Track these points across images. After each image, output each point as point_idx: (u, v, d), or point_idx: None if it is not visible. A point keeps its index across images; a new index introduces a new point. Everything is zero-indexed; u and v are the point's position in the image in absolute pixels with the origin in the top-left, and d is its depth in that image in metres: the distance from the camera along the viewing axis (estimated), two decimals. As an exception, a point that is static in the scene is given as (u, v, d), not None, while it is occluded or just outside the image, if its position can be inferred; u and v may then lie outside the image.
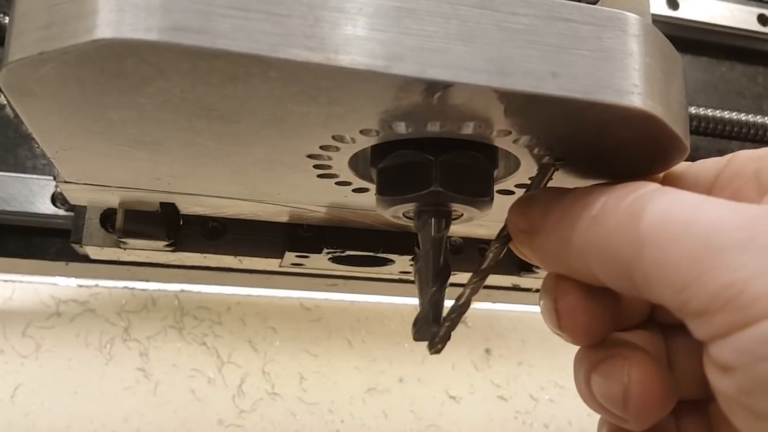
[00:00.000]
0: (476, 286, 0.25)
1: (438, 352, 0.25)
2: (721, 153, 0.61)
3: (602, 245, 0.21)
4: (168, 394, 0.64)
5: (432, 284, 0.26)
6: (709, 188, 0.25)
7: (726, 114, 0.55)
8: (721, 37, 0.63)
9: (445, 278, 0.26)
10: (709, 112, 0.54)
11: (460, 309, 0.25)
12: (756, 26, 0.63)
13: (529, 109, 0.22)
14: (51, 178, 0.44)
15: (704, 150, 0.59)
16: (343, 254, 0.38)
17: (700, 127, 0.54)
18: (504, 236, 0.26)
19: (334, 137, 0.24)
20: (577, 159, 0.26)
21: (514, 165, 0.27)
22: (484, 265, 0.25)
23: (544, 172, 0.26)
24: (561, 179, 0.28)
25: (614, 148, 0.24)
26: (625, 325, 0.28)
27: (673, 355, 0.27)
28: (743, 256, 0.18)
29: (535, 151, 0.25)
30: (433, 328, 0.25)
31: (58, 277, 0.63)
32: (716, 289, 0.18)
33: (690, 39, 0.62)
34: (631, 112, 0.21)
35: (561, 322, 0.24)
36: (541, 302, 0.25)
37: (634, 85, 0.21)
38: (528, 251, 0.25)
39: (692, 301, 0.18)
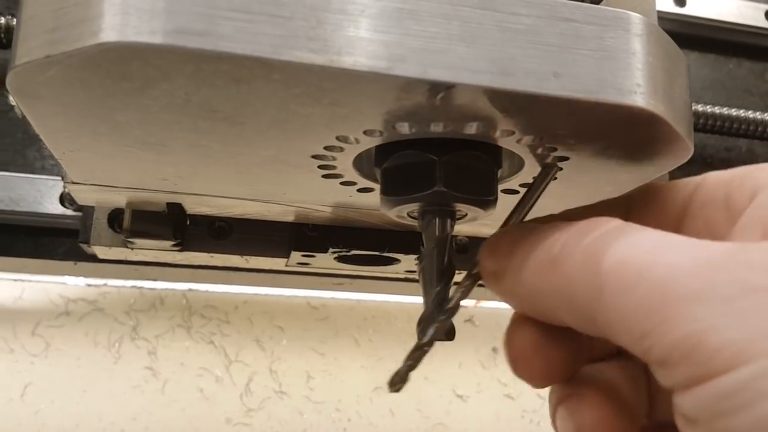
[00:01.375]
0: (446, 320, 0.25)
1: (397, 391, 0.25)
2: (728, 150, 0.61)
3: (562, 290, 0.21)
4: (176, 393, 0.65)
5: (436, 284, 0.26)
6: (681, 215, 0.25)
7: (733, 111, 0.55)
8: (729, 34, 0.62)
9: (449, 278, 0.26)
10: (716, 110, 0.53)
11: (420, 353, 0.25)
12: (764, 23, 0.62)
13: (531, 110, 0.22)
14: (59, 178, 0.44)
15: (712, 147, 0.59)
16: (348, 253, 0.38)
17: (707, 125, 0.54)
18: (474, 274, 0.25)
19: (338, 138, 0.24)
20: (581, 158, 0.26)
21: (518, 164, 0.27)
22: (450, 305, 0.25)
23: (546, 171, 0.26)
24: (566, 179, 0.28)
25: (618, 147, 0.24)
26: (603, 353, 0.27)
27: (653, 380, 0.27)
28: (699, 307, 0.17)
29: (539, 150, 0.25)
30: (437, 328, 0.25)
31: (67, 277, 0.63)
32: (674, 341, 0.17)
33: (697, 36, 0.62)
34: (633, 111, 0.21)
35: (515, 366, 0.24)
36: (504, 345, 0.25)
37: (637, 85, 0.21)
38: (497, 293, 0.24)
39: (653, 350, 0.18)
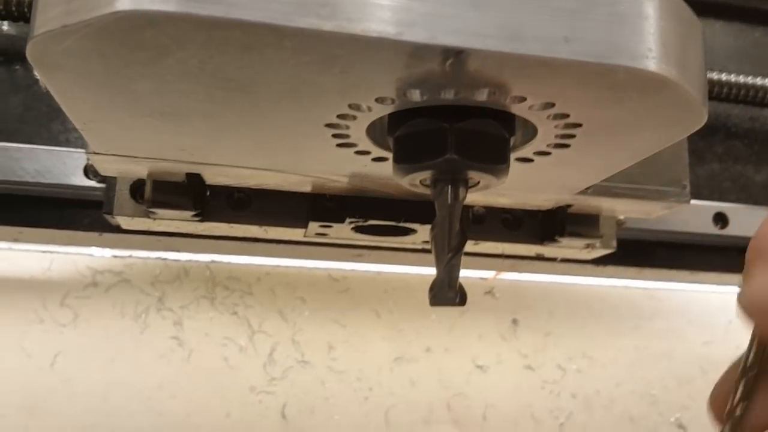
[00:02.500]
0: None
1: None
2: (753, 120, 0.60)
3: None
4: (201, 362, 0.66)
5: (448, 251, 0.26)
6: None
7: (758, 80, 0.54)
8: (754, 2, 0.61)
9: (460, 245, 0.26)
10: (740, 79, 0.52)
11: None
12: (792, -11, 0.61)
13: (542, 75, 0.22)
14: (83, 151, 0.45)
15: (736, 117, 0.58)
16: (365, 224, 0.39)
17: (731, 94, 0.53)
18: None
19: (350, 106, 0.24)
20: (594, 125, 0.26)
21: (532, 132, 0.27)
22: None
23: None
24: (580, 146, 0.28)
25: (631, 113, 0.24)
26: None
27: None
28: None
29: (551, 117, 0.25)
30: (449, 293, 0.26)
31: (93, 248, 0.65)
32: None
33: (722, 3, 0.61)
34: (645, 76, 0.21)
35: None
36: None
37: (649, 50, 0.21)
38: None
39: None
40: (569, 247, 0.45)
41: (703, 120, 0.24)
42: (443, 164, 0.25)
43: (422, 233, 0.41)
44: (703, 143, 0.57)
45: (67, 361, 0.63)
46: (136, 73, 0.22)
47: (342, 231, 0.40)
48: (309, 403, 0.66)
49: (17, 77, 0.49)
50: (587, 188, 0.36)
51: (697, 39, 0.23)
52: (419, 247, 0.45)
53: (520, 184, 0.35)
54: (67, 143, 0.47)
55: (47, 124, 0.47)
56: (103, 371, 0.64)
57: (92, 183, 0.45)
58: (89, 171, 0.45)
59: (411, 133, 0.25)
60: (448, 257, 0.26)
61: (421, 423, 0.67)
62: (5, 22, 0.50)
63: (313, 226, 0.39)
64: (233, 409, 0.65)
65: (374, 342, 0.68)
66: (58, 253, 0.64)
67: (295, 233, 0.41)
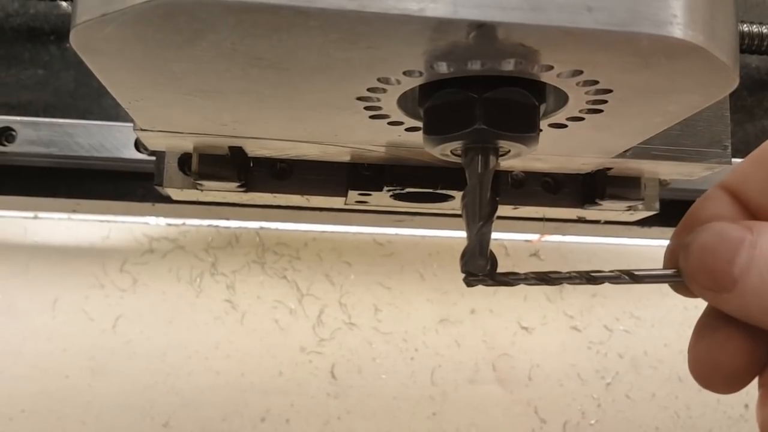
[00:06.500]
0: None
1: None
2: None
3: None
4: (254, 324, 0.69)
5: (479, 219, 0.27)
6: None
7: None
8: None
9: (491, 213, 0.27)
10: (764, 29, 0.49)
11: None
12: None
13: (567, 44, 0.22)
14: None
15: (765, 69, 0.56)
16: (403, 191, 0.39)
17: (753, 46, 0.50)
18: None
19: (379, 79, 0.25)
20: (625, 90, 0.26)
21: (563, 98, 0.27)
22: None
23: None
24: (612, 111, 0.28)
25: (661, 77, 0.24)
26: None
27: None
28: None
29: (581, 84, 0.25)
30: (480, 261, 0.26)
31: (148, 217, 0.67)
32: None
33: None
34: (669, 42, 0.21)
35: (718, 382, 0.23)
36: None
37: (673, 16, 0.21)
38: (721, 308, 0.24)
39: None
40: (611, 209, 0.44)
41: (735, 83, 0.24)
42: (472, 135, 0.26)
43: (459, 200, 0.41)
44: (753, 99, 0.55)
45: (127, 324, 0.66)
46: (173, 55, 0.24)
47: (381, 198, 0.41)
48: (357, 363, 0.68)
49: (69, 54, 0.51)
50: (626, 151, 0.36)
51: (727, 1, 0.23)
52: (459, 212, 0.45)
53: (556, 149, 0.35)
54: (117, 117, 0.49)
55: (99, 99, 0.49)
56: (161, 333, 0.67)
57: (143, 156, 0.47)
58: (139, 145, 0.47)
59: (440, 104, 0.26)
60: (479, 225, 0.27)
61: (466, 382, 0.69)
62: (64, 2, 0.52)
63: (353, 195, 0.40)
64: (285, 369, 0.68)
65: (419, 304, 0.70)
66: (115, 222, 0.68)
67: (336, 201, 0.42)
